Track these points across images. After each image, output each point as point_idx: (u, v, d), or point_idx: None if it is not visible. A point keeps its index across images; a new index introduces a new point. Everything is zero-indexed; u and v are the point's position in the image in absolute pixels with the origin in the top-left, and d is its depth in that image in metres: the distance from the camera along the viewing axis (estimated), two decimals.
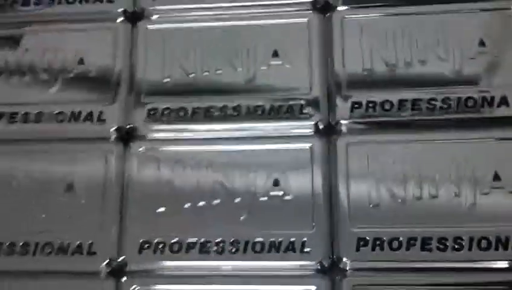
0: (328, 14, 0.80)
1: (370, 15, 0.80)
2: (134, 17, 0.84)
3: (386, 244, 0.70)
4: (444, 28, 0.77)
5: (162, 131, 0.78)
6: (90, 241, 0.73)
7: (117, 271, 0.72)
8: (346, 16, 0.80)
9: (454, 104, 0.74)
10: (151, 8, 0.84)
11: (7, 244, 0.74)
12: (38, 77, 0.82)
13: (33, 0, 0.86)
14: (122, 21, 0.84)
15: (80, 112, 0.79)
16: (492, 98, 0.74)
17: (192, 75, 0.79)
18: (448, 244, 0.69)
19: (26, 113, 0.80)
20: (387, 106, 0.75)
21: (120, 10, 0.84)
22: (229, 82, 0.78)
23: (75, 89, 0.81)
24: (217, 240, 0.72)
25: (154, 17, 0.83)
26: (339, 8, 0.80)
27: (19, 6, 0.86)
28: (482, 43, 0.76)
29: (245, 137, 0.76)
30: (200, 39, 0.81)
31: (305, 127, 0.76)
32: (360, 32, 0.79)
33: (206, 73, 0.79)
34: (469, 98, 0.74)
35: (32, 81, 0.82)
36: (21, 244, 0.73)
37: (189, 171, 0.75)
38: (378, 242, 0.70)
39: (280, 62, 0.78)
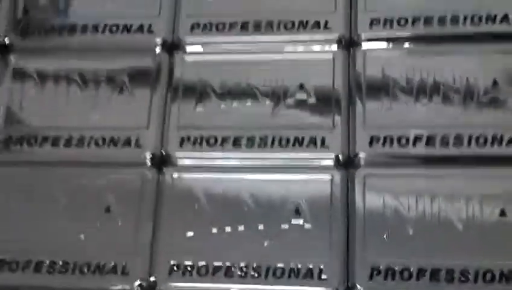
0: (352, 51, 0.85)
1: (391, 52, 0.84)
2: (172, 47, 0.89)
3: (397, 274, 0.75)
4: (460, 67, 0.82)
5: (193, 158, 0.84)
6: (124, 263, 0.79)
7: None
8: (369, 53, 0.84)
9: (466, 141, 0.78)
10: (188, 39, 0.89)
11: (47, 262, 0.80)
12: (79, 103, 0.88)
13: (79, 28, 0.92)
14: (160, 50, 0.89)
15: (118, 138, 0.85)
16: (502, 137, 0.78)
17: (223, 106, 0.84)
18: (455, 276, 0.74)
19: (69, 138, 0.86)
20: (403, 141, 0.79)
21: (159, 40, 0.90)
22: (257, 113, 0.84)
23: (114, 115, 0.86)
24: (241, 265, 0.77)
25: (190, 48, 0.89)
26: (363, 45, 0.85)
27: (66, 33, 0.92)
28: (495, 83, 0.80)
29: (269, 167, 0.82)
30: (231, 70, 0.86)
31: (326, 159, 0.81)
32: (381, 69, 0.83)
33: (235, 104, 0.84)
34: (480, 136, 0.78)
35: (74, 106, 0.87)
36: (61, 263, 0.80)
37: (217, 198, 0.81)
38: (390, 272, 0.75)
39: (305, 96, 0.83)
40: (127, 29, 0.90)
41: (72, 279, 0.79)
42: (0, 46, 0.92)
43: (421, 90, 0.82)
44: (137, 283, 0.78)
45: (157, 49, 0.89)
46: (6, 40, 0.93)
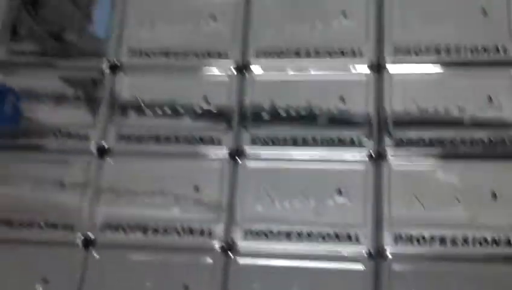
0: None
1: None
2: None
3: None
4: None
5: (254, 247, 1.05)
6: None
7: None
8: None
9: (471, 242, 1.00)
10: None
11: None
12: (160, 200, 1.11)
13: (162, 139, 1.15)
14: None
15: (195, 228, 1.07)
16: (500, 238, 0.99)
17: (277, 206, 1.07)
18: None
19: (156, 228, 1.08)
20: (421, 240, 1.01)
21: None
22: (304, 212, 1.06)
23: (190, 210, 1.09)
24: None
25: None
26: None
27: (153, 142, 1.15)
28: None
29: (314, 255, 1.03)
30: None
31: (359, 251, 1.03)
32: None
33: (287, 204, 1.07)
34: (483, 238, 1.00)
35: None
36: None
37: (273, 279, 1.03)
38: None
39: (344, 200, 1.05)
40: None
41: None
42: (100, 149, 1.15)
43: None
44: None
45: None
46: (105, 144, 1.15)
